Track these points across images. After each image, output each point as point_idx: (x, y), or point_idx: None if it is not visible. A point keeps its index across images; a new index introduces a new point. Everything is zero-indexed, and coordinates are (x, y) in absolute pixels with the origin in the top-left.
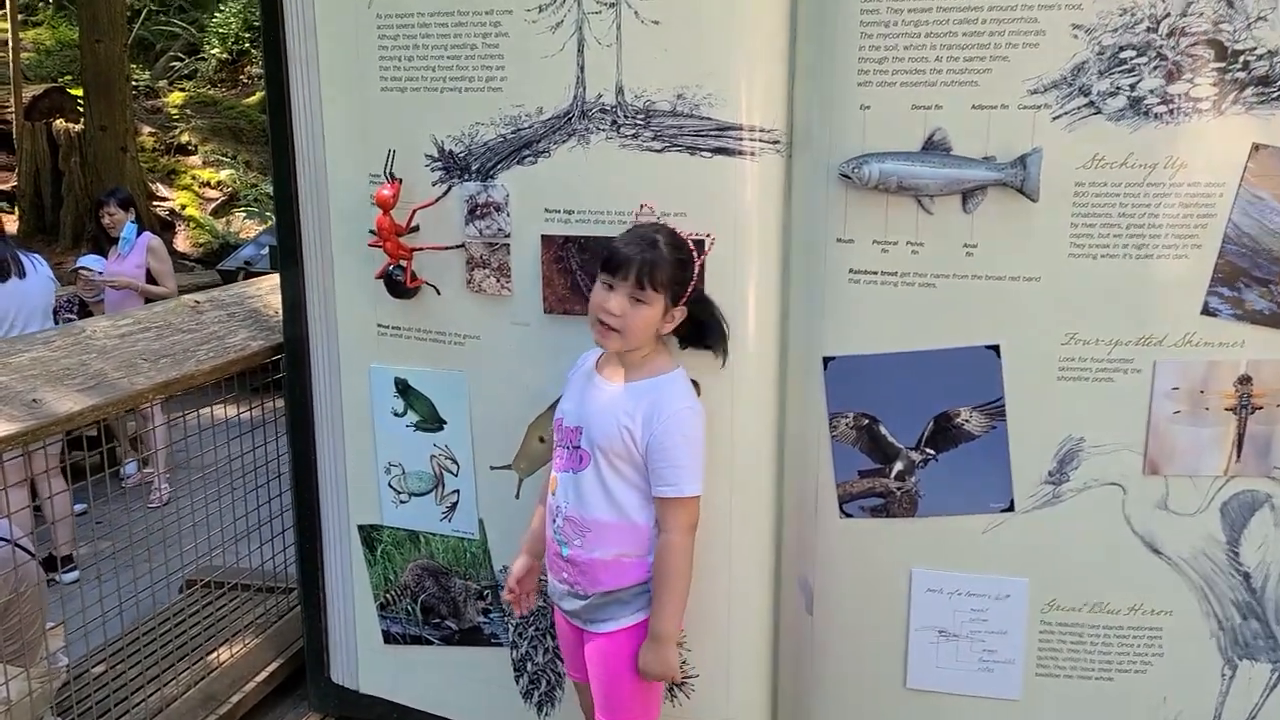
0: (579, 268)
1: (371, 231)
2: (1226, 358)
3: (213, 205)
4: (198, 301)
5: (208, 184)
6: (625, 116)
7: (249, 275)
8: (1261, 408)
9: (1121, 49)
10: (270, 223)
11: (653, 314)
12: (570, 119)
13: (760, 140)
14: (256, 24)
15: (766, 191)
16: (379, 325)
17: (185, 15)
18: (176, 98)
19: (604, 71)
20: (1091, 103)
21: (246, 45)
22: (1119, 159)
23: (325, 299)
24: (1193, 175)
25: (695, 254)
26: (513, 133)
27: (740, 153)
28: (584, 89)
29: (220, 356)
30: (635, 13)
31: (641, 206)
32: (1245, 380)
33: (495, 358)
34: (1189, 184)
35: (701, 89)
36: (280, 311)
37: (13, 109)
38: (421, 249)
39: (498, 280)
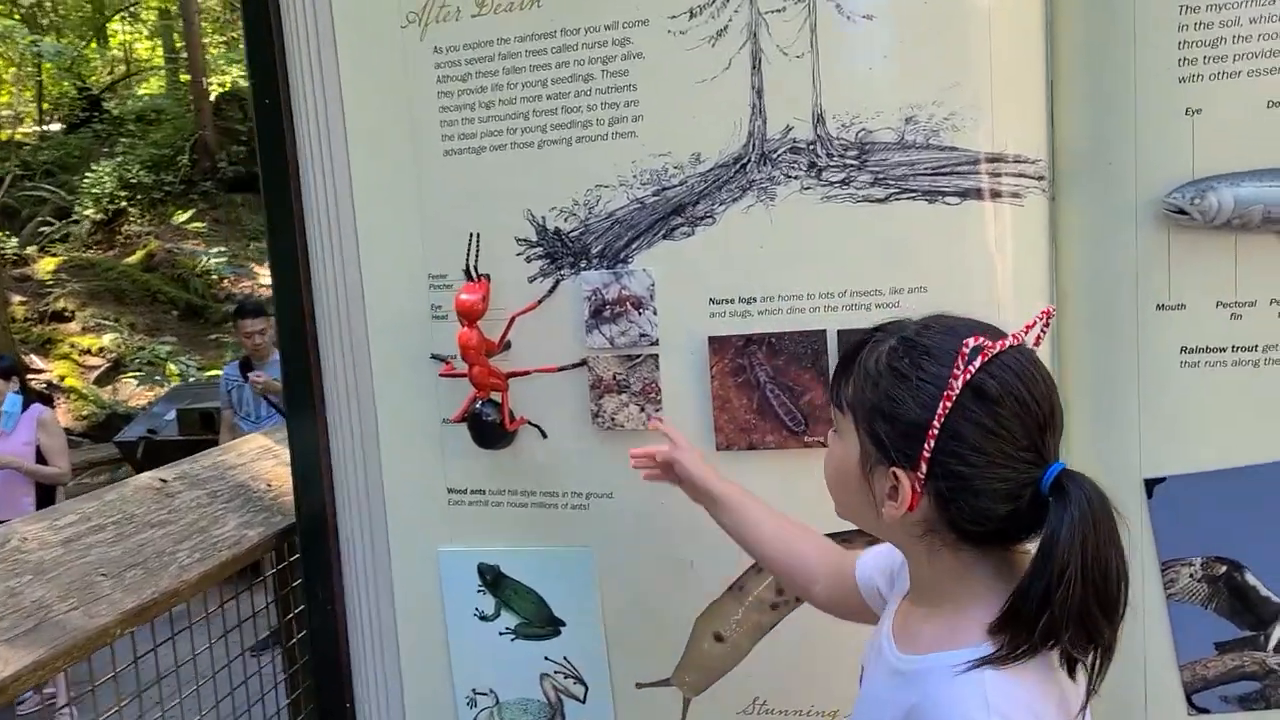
0: (769, 379)
1: (437, 357)
2: None
3: (95, 374)
4: (164, 480)
5: (88, 351)
6: (829, 155)
7: (151, 447)
8: None
9: None
10: (167, 388)
11: (842, 455)
12: (744, 166)
13: (1023, 175)
14: (134, 181)
15: (1034, 247)
16: (451, 490)
17: (53, 179)
18: (49, 263)
19: (793, 94)
20: None
21: (123, 204)
22: None
23: (362, 458)
24: None
25: (956, 367)
26: (655, 194)
27: (1000, 194)
28: (763, 121)
29: (209, 557)
30: (837, 6)
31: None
32: None
33: (639, 523)
34: None
35: (941, 108)
36: (281, 483)
37: None
38: (526, 374)
39: (641, 408)
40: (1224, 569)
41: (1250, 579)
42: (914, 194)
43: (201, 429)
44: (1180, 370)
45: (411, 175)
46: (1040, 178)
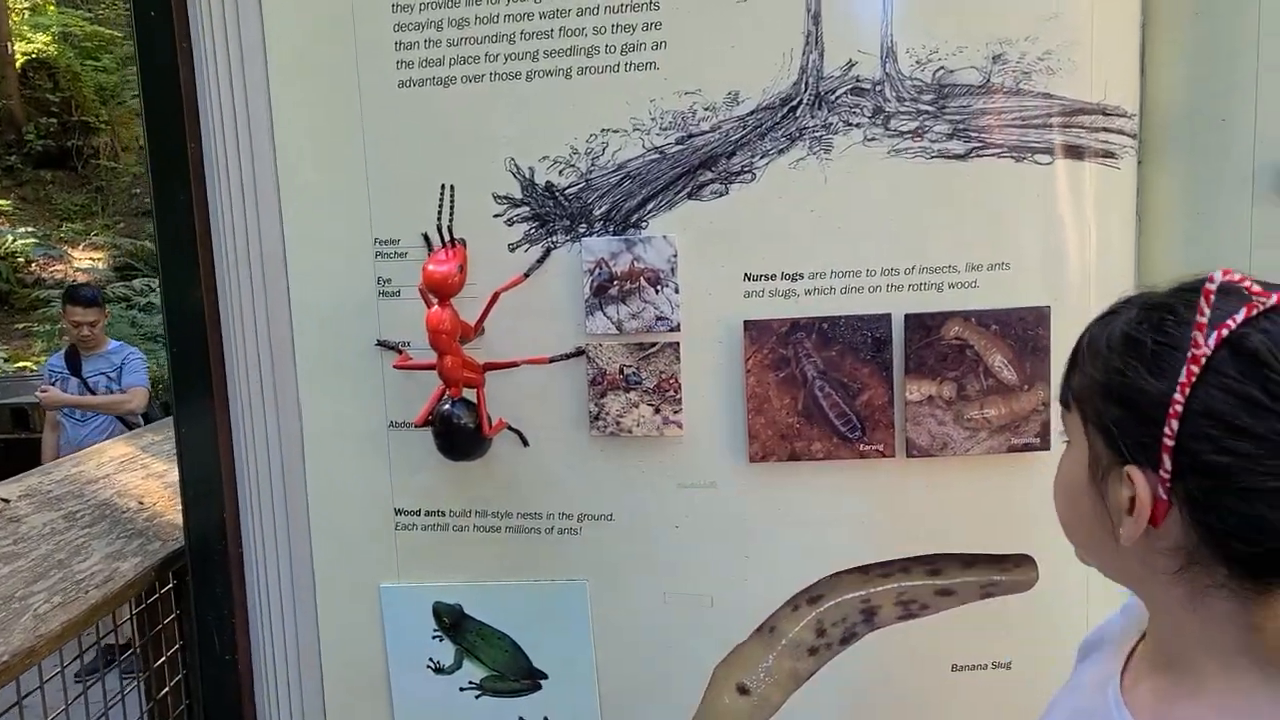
0: (818, 374)
1: (385, 345)
2: None
3: None
4: (5, 501)
5: None
6: (900, 99)
7: None
8: None
9: None
10: None
11: (1069, 468)
12: (794, 109)
13: (1120, 131)
14: None
15: (1124, 220)
16: (399, 511)
17: None
18: None
19: (856, 22)
20: None
21: None
22: None
23: (280, 469)
24: None
25: (1200, 314)
26: (678, 143)
27: (1097, 153)
28: (820, 54)
29: (73, 600)
30: None
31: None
32: None
33: (645, 551)
34: None
35: (1035, 45)
36: (155, 499)
37: None
38: (513, 366)
39: (656, 410)
40: None
41: None
42: (1000, 150)
43: (14, 428)
44: None
45: (354, 112)
46: (1134, 135)
